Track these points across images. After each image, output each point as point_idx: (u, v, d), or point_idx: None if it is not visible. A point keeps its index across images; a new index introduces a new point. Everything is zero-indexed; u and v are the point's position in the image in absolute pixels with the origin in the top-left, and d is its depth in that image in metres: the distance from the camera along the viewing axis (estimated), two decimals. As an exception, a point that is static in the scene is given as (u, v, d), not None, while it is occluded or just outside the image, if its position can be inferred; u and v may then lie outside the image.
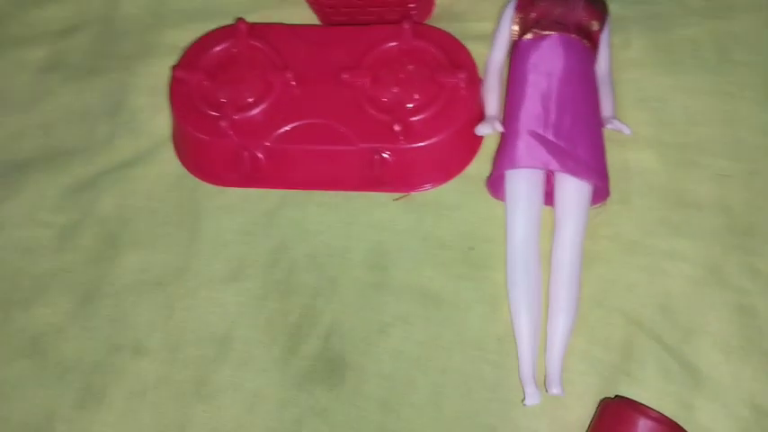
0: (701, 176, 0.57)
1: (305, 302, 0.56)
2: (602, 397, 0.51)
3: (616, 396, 0.51)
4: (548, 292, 0.54)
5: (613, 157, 0.57)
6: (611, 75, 0.60)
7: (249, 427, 0.53)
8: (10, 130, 0.65)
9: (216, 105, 0.59)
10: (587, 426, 0.50)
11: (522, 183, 0.55)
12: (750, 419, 0.50)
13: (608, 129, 0.57)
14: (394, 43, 0.60)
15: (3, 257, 0.60)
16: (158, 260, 0.58)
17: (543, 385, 0.51)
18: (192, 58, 0.62)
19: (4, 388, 0.55)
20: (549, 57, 0.57)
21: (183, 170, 0.62)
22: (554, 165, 0.53)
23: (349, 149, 0.58)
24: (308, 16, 0.66)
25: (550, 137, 0.54)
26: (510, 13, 0.61)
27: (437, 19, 0.66)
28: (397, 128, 0.56)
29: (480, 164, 0.59)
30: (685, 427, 0.47)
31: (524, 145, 0.54)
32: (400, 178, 0.59)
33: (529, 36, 0.59)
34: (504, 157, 0.55)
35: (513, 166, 0.54)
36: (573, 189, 0.54)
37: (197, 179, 0.61)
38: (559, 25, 0.58)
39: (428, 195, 0.59)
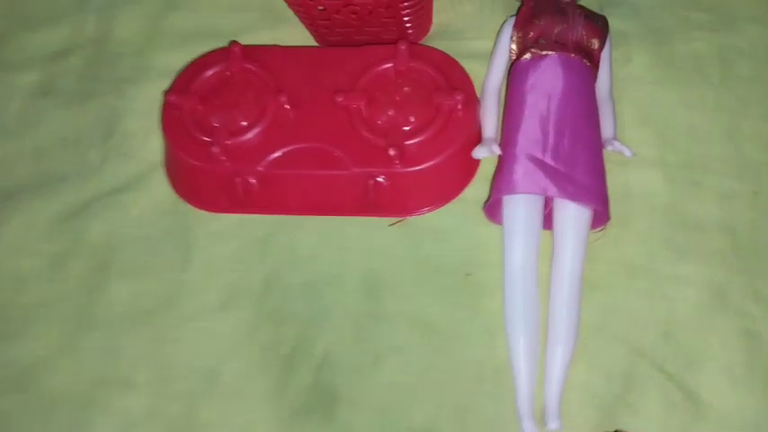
0: (704, 197, 0.56)
1: (298, 332, 0.55)
2: (603, 431, 0.50)
3: (616, 430, 0.49)
4: (546, 320, 0.52)
5: (614, 178, 0.55)
6: (612, 93, 0.58)
7: (239, 463, 0.51)
8: (0, 156, 0.64)
9: (208, 130, 0.58)
10: (587, 461, 0.49)
11: (521, 207, 0.53)
12: (755, 451, 0.48)
13: (609, 150, 0.55)
14: (390, 64, 0.59)
15: (-8, 288, 0.59)
16: (149, 289, 0.57)
17: (541, 419, 0.50)
18: (184, 82, 0.61)
19: (-6, 422, 0.55)
20: (547, 77, 0.56)
21: (175, 196, 0.61)
22: (552, 190, 0.52)
23: (343, 174, 0.57)
24: (304, 36, 0.65)
25: (549, 161, 0.53)
26: (508, 31, 0.59)
27: (434, 37, 0.65)
28: (392, 152, 0.55)
29: (477, 187, 0.58)
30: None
31: (522, 169, 0.53)
32: (395, 203, 0.58)
33: (527, 56, 0.57)
34: (501, 181, 0.54)
35: (511, 191, 0.53)
36: (572, 214, 0.53)
37: (189, 205, 0.60)
38: (559, 45, 0.57)
39: (424, 220, 0.58)
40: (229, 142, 0.57)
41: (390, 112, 0.58)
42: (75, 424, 0.53)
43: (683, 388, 0.50)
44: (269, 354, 0.54)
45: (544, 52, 0.57)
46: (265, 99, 0.59)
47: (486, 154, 0.56)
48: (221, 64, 0.61)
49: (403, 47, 0.59)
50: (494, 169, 0.57)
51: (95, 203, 0.61)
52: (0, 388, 0.55)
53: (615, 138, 0.56)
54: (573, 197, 0.52)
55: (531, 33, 0.58)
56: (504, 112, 0.58)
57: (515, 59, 0.58)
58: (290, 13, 0.62)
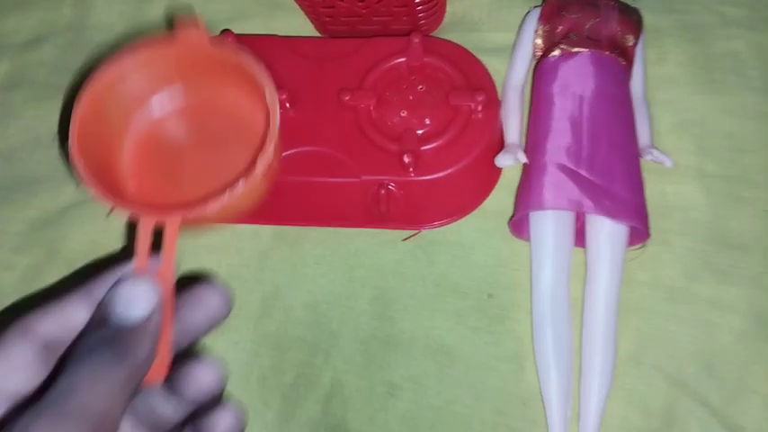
0: (747, 213, 0.51)
1: (302, 358, 0.50)
2: (643, 472, 0.45)
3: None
4: (580, 347, 0.47)
5: (650, 190, 0.50)
6: (647, 95, 0.53)
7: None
8: (-35, 157, 0.59)
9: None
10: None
11: (550, 223, 0.48)
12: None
13: (647, 160, 0.50)
14: (402, 59, 0.54)
15: (-43, 304, 0.54)
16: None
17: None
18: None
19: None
20: (579, 77, 0.51)
21: (163, 202, 0.55)
22: (588, 206, 0.47)
23: (351, 181, 0.51)
24: (303, 26, 0.59)
25: (583, 172, 0.48)
26: (532, 24, 0.54)
27: (447, 29, 0.59)
28: (407, 159, 0.50)
29: (499, 197, 0.53)
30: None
31: (552, 182, 0.48)
32: (409, 214, 0.52)
33: (556, 53, 0.52)
34: (528, 195, 0.49)
35: (541, 206, 0.48)
36: (607, 231, 0.48)
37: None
38: (591, 41, 0.51)
39: (440, 234, 0.53)
40: (223, 144, 0.52)
41: (403, 114, 0.52)
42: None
43: (726, 422, 0.46)
44: (270, 382, 0.49)
45: (575, 49, 0.51)
46: (262, 96, 0.53)
47: (511, 162, 0.50)
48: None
49: (416, 39, 0.53)
50: (517, 177, 0.52)
51: (74, 210, 0.56)
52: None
53: (652, 145, 0.51)
54: (611, 213, 0.47)
55: (560, 27, 0.53)
56: (529, 115, 0.53)
57: (541, 56, 0.53)
58: (286, -2, 0.57)
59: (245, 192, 0.36)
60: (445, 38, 0.55)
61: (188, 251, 0.53)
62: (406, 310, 0.50)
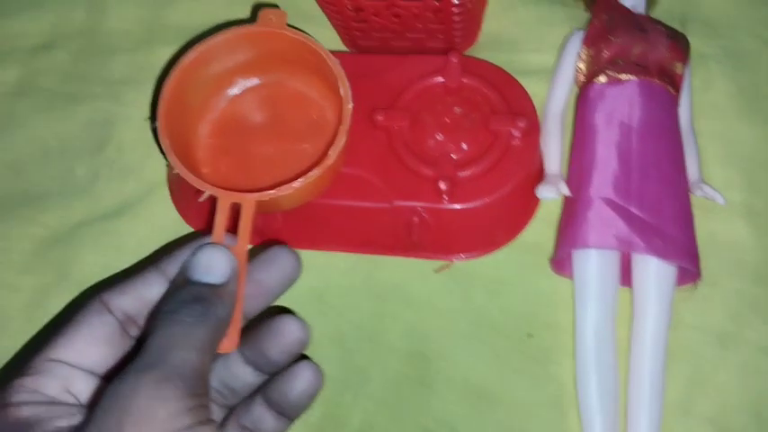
0: (799, 252, 0.49)
1: (329, 397, 0.47)
2: None
3: None
4: (626, 394, 0.45)
5: (697, 227, 0.48)
6: (693, 126, 0.51)
7: None
8: (-30, 169, 0.56)
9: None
10: None
11: (594, 262, 0.46)
12: None
13: (696, 196, 0.48)
14: (438, 79, 0.51)
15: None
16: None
17: None
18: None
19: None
20: (627, 106, 0.48)
21: (179, 222, 0.53)
22: (638, 245, 0.44)
23: (381, 207, 0.49)
24: (331, 39, 0.56)
25: (633, 208, 0.45)
26: (575, 47, 0.52)
27: (481, 48, 0.56)
28: (443, 186, 0.47)
29: (537, 228, 0.50)
30: None
31: (598, 218, 0.45)
32: (441, 243, 0.50)
33: (602, 79, 0.49)
34: (572, 232, 0.46)
35: (585, 245, 0.45)
36: (655, 271, 0.46)
37: (197, 232, 0.52)
38: (640, 68, 0.49)
39: (475, 266, 0.50)
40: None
41: (438, 137, 0.50)
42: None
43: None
44: (294, 425, 0.46)
45: (623, 76, 0.49)
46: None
47: (553, 194, 0.48)
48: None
49: (455, 59, 0.51)
50: (556, 207, 0.50)
51: (85, 229, 0.53)
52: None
53: (702, 180, 0.49)
54: (663, 254, 0.44)
55: (606, 52, 0.50)
56: (571, 144, 0.50)
57: (585, 82, 0.51)
58: (313, 9, 0.54)
59: (315, 180, 0.41)
60: (479, 57, 0.53)
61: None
62: (441, 347, 0.48)
